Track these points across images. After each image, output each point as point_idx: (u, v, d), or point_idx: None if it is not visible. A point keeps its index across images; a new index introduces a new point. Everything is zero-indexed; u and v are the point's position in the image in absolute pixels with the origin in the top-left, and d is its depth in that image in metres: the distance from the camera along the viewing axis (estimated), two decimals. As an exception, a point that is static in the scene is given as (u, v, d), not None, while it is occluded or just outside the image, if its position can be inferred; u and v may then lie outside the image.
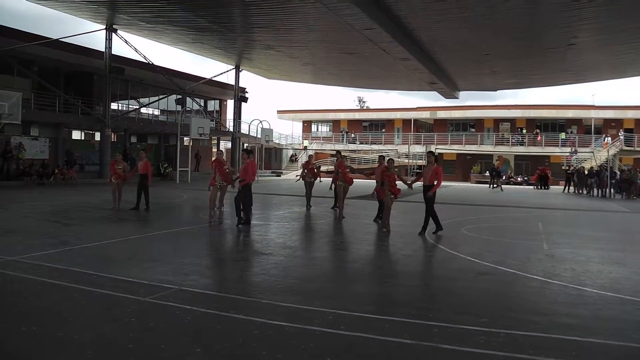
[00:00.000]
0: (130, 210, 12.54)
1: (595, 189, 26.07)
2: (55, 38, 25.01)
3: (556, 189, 31.87)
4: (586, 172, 27.93)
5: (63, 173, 24.39)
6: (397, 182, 10.19)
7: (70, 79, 28.41)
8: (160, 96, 33.99)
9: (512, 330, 4.31)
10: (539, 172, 34.17)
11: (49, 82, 25.68)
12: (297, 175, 15.59)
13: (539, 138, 39.80)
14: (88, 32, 26.37)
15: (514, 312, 4.92)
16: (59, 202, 14.77)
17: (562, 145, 37.88)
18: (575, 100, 59.81)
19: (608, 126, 38.82)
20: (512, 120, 42.03)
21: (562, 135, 39.07)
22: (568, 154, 34.06)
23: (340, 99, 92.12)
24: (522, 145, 40.07)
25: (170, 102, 35.76)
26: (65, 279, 5.61)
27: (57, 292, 5.18)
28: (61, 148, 26.58)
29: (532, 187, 34.12)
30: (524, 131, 40.84)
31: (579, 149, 34.58)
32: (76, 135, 31.13)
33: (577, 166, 31.41)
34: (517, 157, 41.16)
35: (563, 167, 33.37)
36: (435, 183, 9.72)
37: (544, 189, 32.36)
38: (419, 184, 11.02)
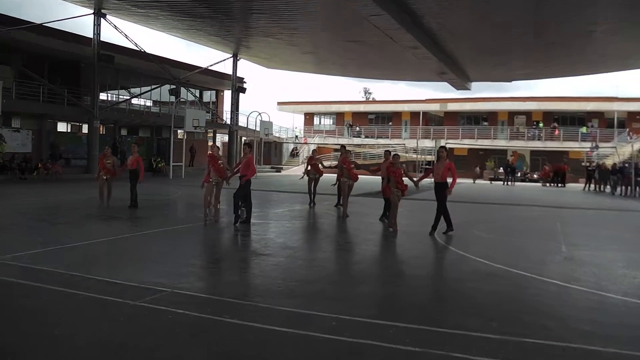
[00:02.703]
0: (128, 207, 12.52)
1: (618, 186, 25.94)
2: (39, 23, 24.96)
3: (573, 186, 31.77)
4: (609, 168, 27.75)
5: (47, 168, 24.37)
6: (403, 178, 10.16)
7: (55, 67, 28.37)
8: (153, 86, 33.95)
9: (526, 338, 4.29)
10: (549, 168, 33.92)
11: (33, 70, 25.64)
12: (301, 176, 15.54)
13: (556, 132, 39.66)
14: (75, 17, 26.45)
15: (527, 316, 4.89)
16: (42, 199, 14.78)
17: (582, 140, 37.71)
18: (596, 92, 59.75)
19: (633, 119, 38.57)
20: (527, 113, 41.91)
21: (583, 130, 38.76)
22: (588, 149, 33.88)
23: (345, 90, 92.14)
24: (539, 139, 39.97)
25: (163, 92, 35.68)
26: (51, 282, 5.59)
27: (43, 295, 5.17)
28: (45, 141, 26.60)
29: (546, 183, 33.87)
30: (541, 125, 40.71)
31: (601, 144, 34.40)
32: (62, 127, 31.16)
33: (599, 161, 31.27)
34: (533, 153, 41.03)
35: (583, 164, 33.25)
36: (448, 180, 9.69)
37: (560, 186, 32.21)
38: (427, 180, 10.99)
